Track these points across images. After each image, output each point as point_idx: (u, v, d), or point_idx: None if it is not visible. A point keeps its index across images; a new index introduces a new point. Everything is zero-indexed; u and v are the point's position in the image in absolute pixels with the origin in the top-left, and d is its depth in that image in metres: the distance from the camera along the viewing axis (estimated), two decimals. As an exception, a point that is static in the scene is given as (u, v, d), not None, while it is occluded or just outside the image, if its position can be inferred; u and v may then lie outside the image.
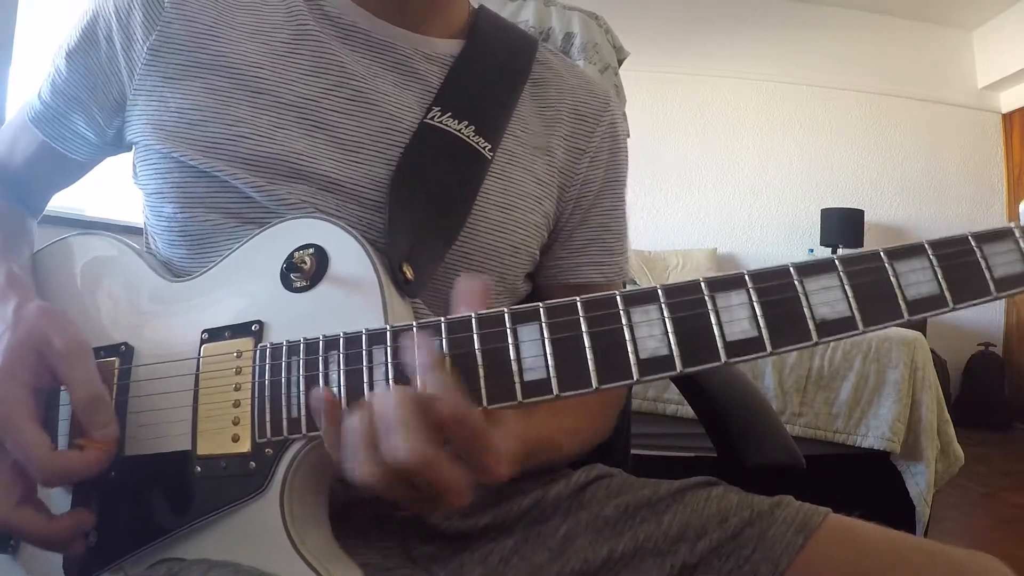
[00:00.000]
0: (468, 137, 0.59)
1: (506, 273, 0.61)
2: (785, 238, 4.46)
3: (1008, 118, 4.57)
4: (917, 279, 0.39)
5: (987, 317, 4.49)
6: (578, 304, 0.41)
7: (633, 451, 0.96)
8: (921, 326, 3.56)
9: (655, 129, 4.36)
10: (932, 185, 4.53)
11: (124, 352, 0.51)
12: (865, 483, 2.10)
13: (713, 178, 4.44)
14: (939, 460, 2.06)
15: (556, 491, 0.58)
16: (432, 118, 0.58)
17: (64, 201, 1.97)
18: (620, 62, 1.17)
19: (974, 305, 0.38)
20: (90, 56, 0.58)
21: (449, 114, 0.59)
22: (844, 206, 4.25)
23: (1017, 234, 0.40)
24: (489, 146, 0.60)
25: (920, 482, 2.02)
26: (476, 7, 0.70)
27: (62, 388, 0.49)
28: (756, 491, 0.57)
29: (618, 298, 0.40)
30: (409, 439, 0.38)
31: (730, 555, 0.52)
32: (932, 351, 2.28)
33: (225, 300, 0.50)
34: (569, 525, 0.55)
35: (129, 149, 0.61)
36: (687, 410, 1.97)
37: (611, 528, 0.55)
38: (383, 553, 0.54)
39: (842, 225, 4.11)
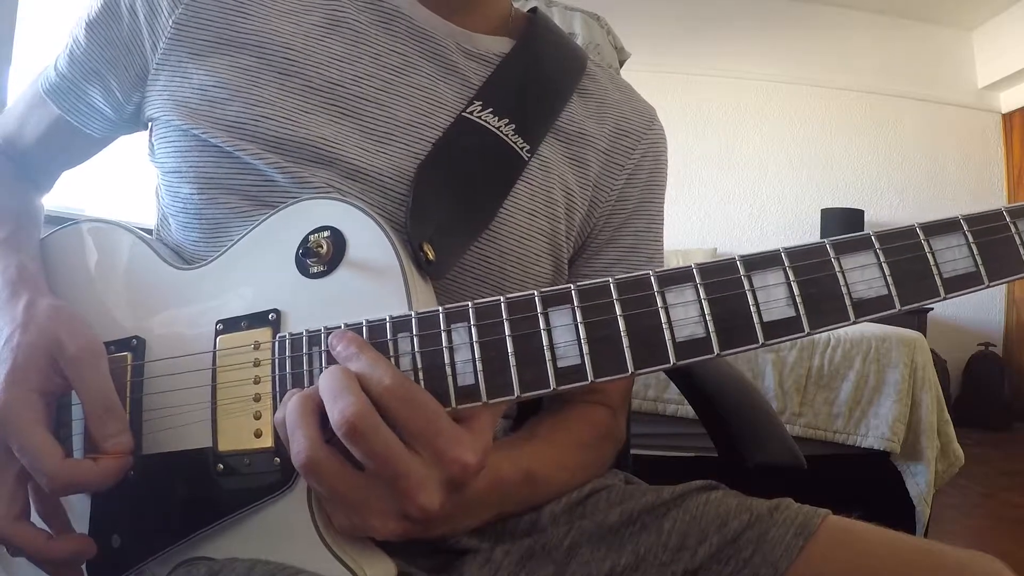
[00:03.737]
0: (507, 136, 0.57)
1: (527, 281, 0.60)
2: (785, 238, 4.45)
3: (1008, 118, 4.57)
4: (953, 256, 0.37)
5: (987, 317, 4.48)
6: (611, 285, 0.39)
7: (633, 451, 0.96)
8: (921, 326, 3.55)
9: (655, 129, 4.34)
10: (932, 185, 4.52)
11: (136, 346, 0.50)
12: (865, 483, 2.09)
13: (713, 178, 4.44)
14: (939, 460, 2.06)
15: (551, 507, 0.57)
16: (472, 112, 0.57)
17: (64, 201, 1.97)
18: (621, 63, 1.17)
19: (1008, 282, 0.37)
20: (111, 28, 0.56)
21: (490, 110, 0.58)
22: (844, 206, 4.24)
23: None
24: (528, 147, 0.59)
25: (920, 482, 2.02)
26: (530, 10, 0.69)
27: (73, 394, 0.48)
28: (757, 491, 0.57)
29: (653, 279, 0.39)
30: (354, 395, 0.38)
31: (730, 559, 0.51)
32: (932, 351, 2.28)
33: (239, 288, 0.48)
34: (573, 536, 0.55)
35: (145, 127, 0.60)
36: (687, 410, 1.97)
37: (614, 535, 0.54)
38: None
39: (842, 225, 4.10)
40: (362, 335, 0.42)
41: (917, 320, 3.61)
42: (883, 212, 4.48)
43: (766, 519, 0.53)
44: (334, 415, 0.38)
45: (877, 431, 2.05)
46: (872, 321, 0.39)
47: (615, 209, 0.66)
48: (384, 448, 0.38)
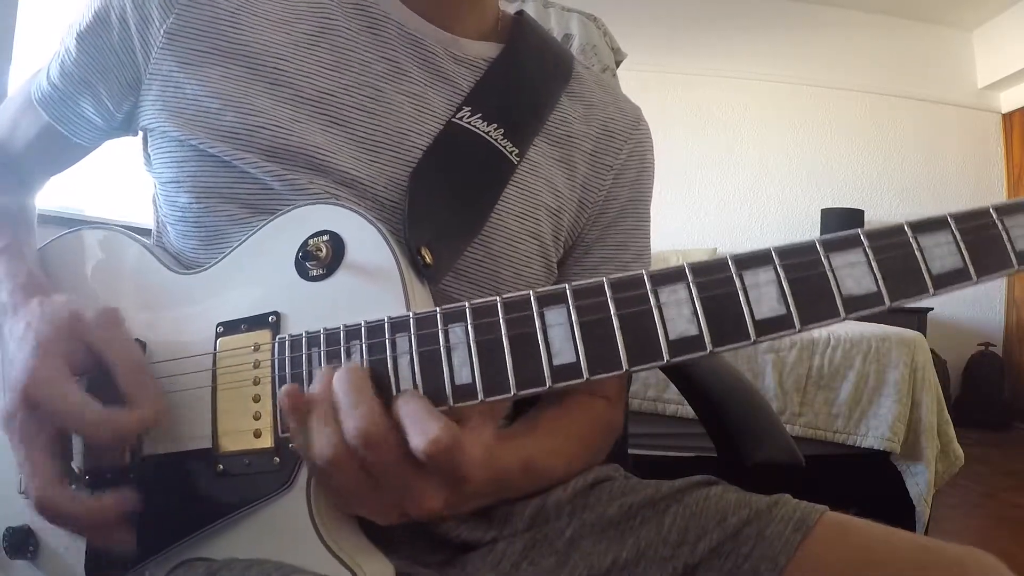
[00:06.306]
0: (496, 140, 0.58)
1: (519, 283, 0.60)
2: (785, 238, 4.41)
3: (1008, 118, 4.57)
4: (941, 253, 0.38)
5: (987, 317, 4.48)
6: (605, 285, 0.40)
7: (633, 451, 0.96)
8: (921, 326, 3.55)
9: (655, 129, 4.21)
10: (932, 185, 4.53)
11: None
12: (865, 483, 2.10)
13: (713, 178, 4.44)
14: (939, 460, 2.06)
15: (556, 497, 0.58)
16: (461, 118, 0.58)
17: (64, 201, 1.97)
18: (618, 63, 1.17)
19: (996, 278, 0.38)
20: (102, 38, 0.56)
21: (479, 115, 0.58)
22: (844, 206, 4.24)
23: None
24: (517, 151, 0.59)
25: (920, 482, 2.02)
26: (516, 13, 0.69)
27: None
28: (756, 490, 0.57)
29: (646, 278, 0.40)
30: (368, 405, 0.38)
31: (730, 554, 0.52)
32: (932, 351, 2.28)
33: (239, 292, 0.49)
34: (574, 527, 0.55)
35: (135, 134, 0.60)
36: (687, 410, 1.97)
37: (615, 528, 0.55)
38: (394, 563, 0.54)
39: (842, 225, 4.06)
40: (361, 336, 0.43)
41: (917, 320, 3.61)
42: (883, 212, 4.48)
43: (765, 515, 0.53)
44: (349, 424, 0.38)
45: (877, 431, 2.05)
46: (868, 320, 0.39)
47: (603, 209, 0.67)
48: (395, 461, 0.39)
